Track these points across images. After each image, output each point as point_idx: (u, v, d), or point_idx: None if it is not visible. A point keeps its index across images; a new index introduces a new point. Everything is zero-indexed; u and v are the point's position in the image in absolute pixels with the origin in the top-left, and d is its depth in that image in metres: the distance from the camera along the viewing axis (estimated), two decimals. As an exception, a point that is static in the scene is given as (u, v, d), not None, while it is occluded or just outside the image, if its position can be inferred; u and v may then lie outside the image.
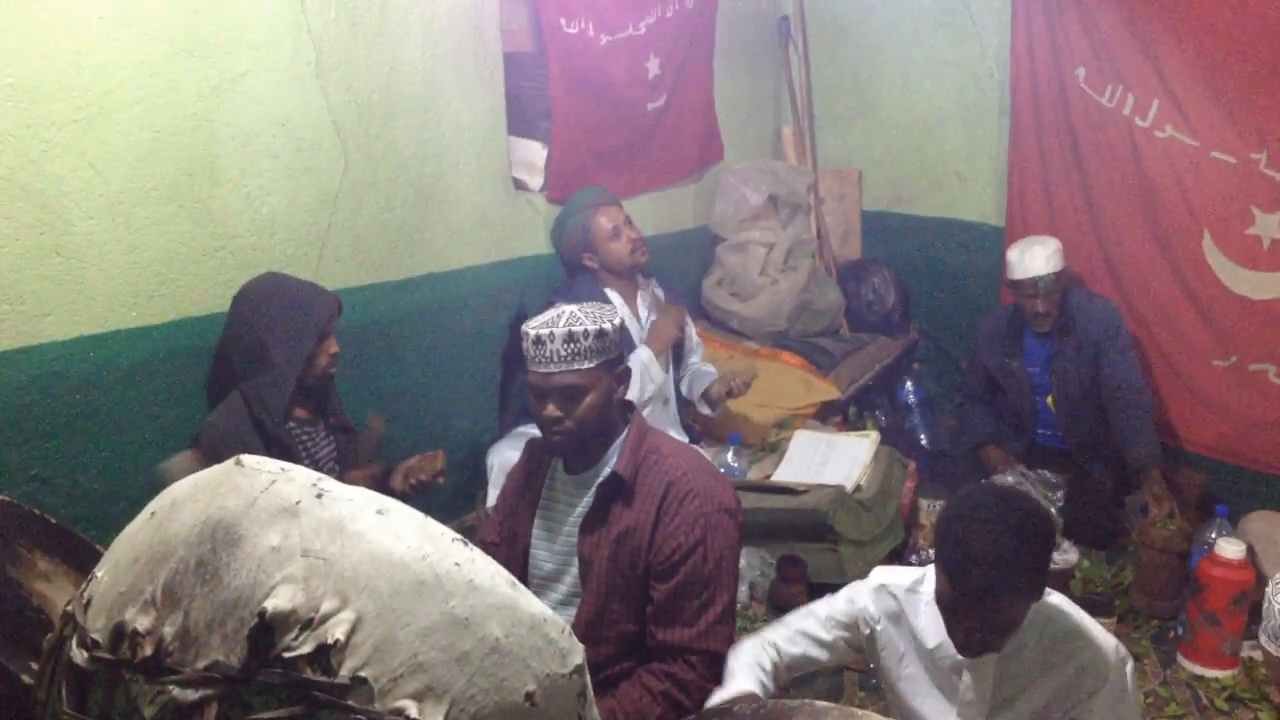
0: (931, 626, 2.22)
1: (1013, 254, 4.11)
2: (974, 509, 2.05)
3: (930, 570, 2.22)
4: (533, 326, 2.37)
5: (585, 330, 2.34)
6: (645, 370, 3.73)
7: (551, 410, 2.37)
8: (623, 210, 3.99)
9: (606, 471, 2.42)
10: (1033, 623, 2.12)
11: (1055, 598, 2.20)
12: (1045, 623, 2.16)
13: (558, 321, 2.35)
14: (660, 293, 4.12)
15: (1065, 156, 4.45)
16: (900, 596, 2.28)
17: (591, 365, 2.35)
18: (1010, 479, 3.99)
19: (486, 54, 3.73)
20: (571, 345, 2.33)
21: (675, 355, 4.09)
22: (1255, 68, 3.78)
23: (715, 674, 2.34)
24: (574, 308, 2.42)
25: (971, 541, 1.98)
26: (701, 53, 4.84)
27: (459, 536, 1.15)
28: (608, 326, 2.37)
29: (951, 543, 2.01)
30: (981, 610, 1.99)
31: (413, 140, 3.49)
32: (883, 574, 2.36)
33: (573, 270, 4.02)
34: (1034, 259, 4.02)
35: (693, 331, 4.26)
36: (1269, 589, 2.12)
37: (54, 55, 2.52)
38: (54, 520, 2.46)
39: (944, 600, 2.05)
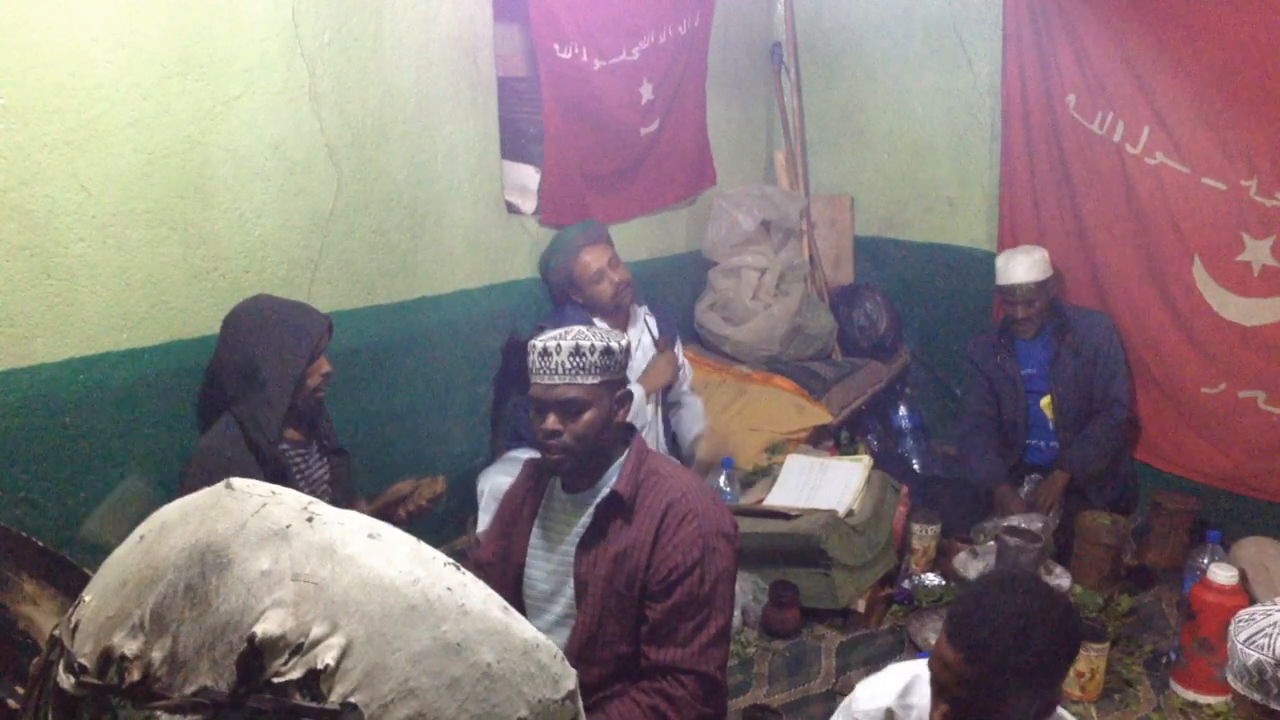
0: None
1: (999, 260, 4.27)
2: (1007, 583, 1.94)
3: (915, 672, 2.09)
4: (540, 339, 2.40)
5: (592, 346, 2.36)
6: (638, 408, 3.73)
7: (551, 423, 2.38)
8: (609, 247, 3.98)
9: (605, 491, 2.42)
10: None
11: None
12: None
13: (566, 335, 2.38)
14: (653, 320, 4.11)
15: (1056, 183, 4.47)
16: (880, 715, 2.11)
17: (594, 381, 2.37)
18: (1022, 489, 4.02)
19: (480, 78, 3.74)
20: (577, 359, 2.35)
21: (663, 390, 4.11)
22: (1245, 95, 3.81)
23: (706, 695, 2.33)
24: (581, 327, 2.45)
25: (999, 612, 1.85)
26: (694, 78, 4.86)
27: (451, 561, 1.15)
28: (615, 346, 2.40)
29: (975, 611, 1.87)
30: (987, 694, 1.84)
31: (406, 164, 3.49)
32: (861, 695, 2.18)
33: (560, 302, 4.02)
34: (1016, 267, 4.17)
35: (684, 359, 4.27)
36: (1231, 628, 2.12)
37: (46, 77, 2.52)
38: (41, 543, 2.45)
39: (944, 680, 1.89)
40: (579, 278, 3.89)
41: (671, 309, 4.37)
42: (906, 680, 2.13)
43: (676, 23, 4.61)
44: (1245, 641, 2.07)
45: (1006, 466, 4.31)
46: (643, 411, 3.80)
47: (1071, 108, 4.33)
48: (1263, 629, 2.07)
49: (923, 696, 2.02)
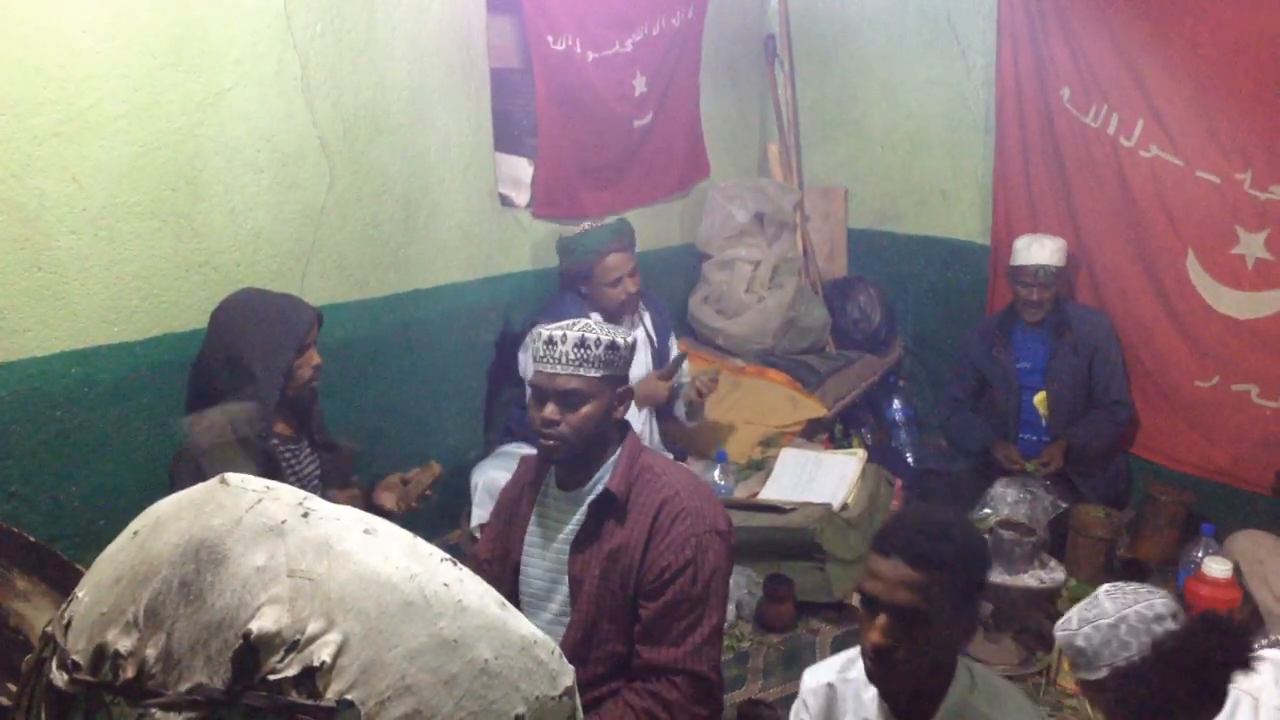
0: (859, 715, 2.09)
1: (1020, 242, 4.25)
2: (929, 507, 2.09)
3: (856, 652, 2.07)
4: (547, 327, 2.39)
5: (598, 339, 2.35)
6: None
7: (550, 412, 2.37)
8: (633, 257, 3.93)
9: (599, 489, 2.40)
10: (966, 708, 1.97)
11: (993, 679, 2.05)
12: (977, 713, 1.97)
13: (573, 326, 2.38)
14: (647, 316, 4.09)
15: (1050, 176, 4.47)
16: (823, 690, 2.14)
17: (597, 375, 2.36)
18: (1012, 492, 4.00)
19: (473, 70, 3.73)
20: (582, 350, 2.34)
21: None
22: (1240, 88, 3.80)
23: (699, 695, 2.32)
24: (588, 320, 2.45)
25: (911, 513, 1.98)
26: (688, 70, 4.85)
27: (448, 556, 1.14)
28: (620, 341, 2.39)
29: (911, 523, 1.92)
30: (926, 599, 1.83)
31: (398, 156, 3.48)
32: (807, 676, 2.21)
33: (565, 285, 3.99)
34: (1041, 248, 4.17)
35: (675, 347, 4.25)
36: (1058, 631, 2.16)
37: (38, 68, 2.51)
38: (33, 539, 2.44)
39: (880, 593, 1.87)
40: (598, 274, 3.84)
41: (665, 302, 4.36)
42: (848, 657, 2.15)
43: (670, 15, 4.60)
44: (1059, 630, 2.17)
45: (992, 430, 4.34)
46: (631, 418, 3.77)
47: (1066, 100, 4.32)
48: (1064, 619, 2.17)
49: (860, 670, 2.02)
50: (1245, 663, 1.82)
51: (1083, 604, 2.16)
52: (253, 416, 2.69)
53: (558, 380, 2.36)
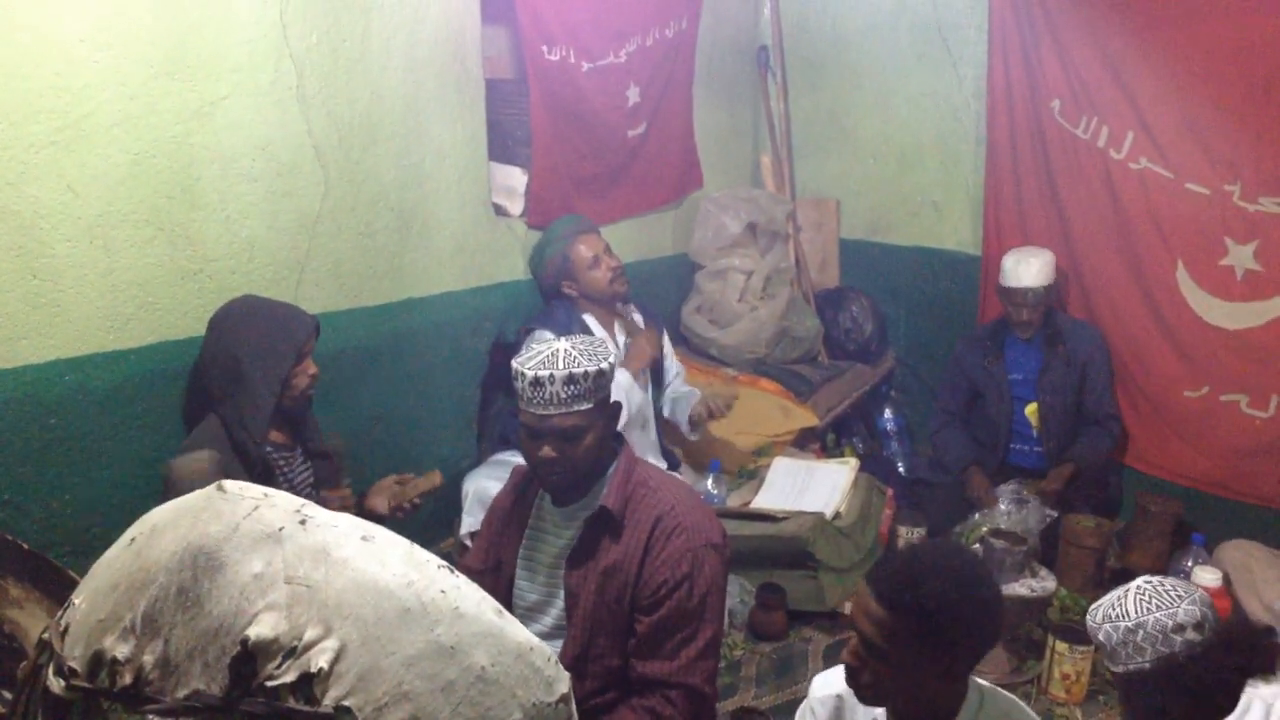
0: None
1: (1008, 261, 4.24)
2: (943, 551, 2.01)
3: None
4: (529, 366, 2.29)
5: (586, 371, 2.28)
6: (626, 394, 3.70)
7: (547, 452, 2.33)
8: (601, 238, 3.99)
9: (595, 505, 2.38)
10: None
11: (1001, 699, 2.05)
12: None
13: (555, 362, 2.28)
14: (640, 318, 4.11)
15: (1041, 187, 4.49)
16: (831, 701, 2.13)
17: (590, 406, 2.31)
18: (1008, 489, 4.01)
19: (468, 80, 3.74)
20: (572, 387, 2.27)
21: (655, 378, 4.08)
22: (1228, 100, 3.83)
23: (695, 709, 2.31)
24: (566, 345, 2.35)
25: (906, 552, 1.93)
26: (681, 81, 4.86)
27: (445, 563, 1.15)
28: (605, 366, 2.33)
29: (907, 570, 1.88)
30: (903, 646, 1.84)
31: (393, 165, 3.48)
32: (816, 684, 2.20)
33: (550, 297, 4.01)
34: (1026, 270, 4.16)
35: (672, 355, 4.27)
36: (1087, 621, 2.18)
37: (33, 77, 2.51)
38: (27, 546, 2.43)
39: (866, 632, 1.89)
40: (575, 265, 3.87)
41: (658, 311, 4.37)
42: None
43: (663, 26, 4.61)
44: (1088, 615, 2.18)
45: (979, 452, 4.36)
46: (632, 393, 3.78)
47: (1056, 112, 4.35)
48: (1095, 606, 2.17)
49: None
50: (1267, 670, 1.84)
51: (1113, 597, 2.13)
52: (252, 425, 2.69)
53: (552, 421, 2.29)
